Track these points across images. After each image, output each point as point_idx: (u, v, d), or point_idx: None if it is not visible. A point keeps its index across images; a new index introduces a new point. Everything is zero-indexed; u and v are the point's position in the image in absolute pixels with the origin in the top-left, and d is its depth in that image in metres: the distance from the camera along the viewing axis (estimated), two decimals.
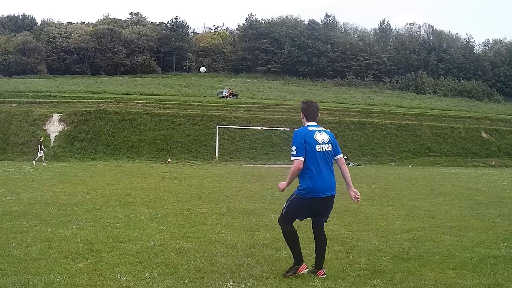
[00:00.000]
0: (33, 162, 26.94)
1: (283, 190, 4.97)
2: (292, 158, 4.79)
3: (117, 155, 32.30)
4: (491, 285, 4.57)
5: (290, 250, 4.90)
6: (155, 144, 33.80)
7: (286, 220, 4.87)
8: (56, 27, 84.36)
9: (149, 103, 40.57)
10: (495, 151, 41.00)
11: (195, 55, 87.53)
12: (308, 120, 5.01)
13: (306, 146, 4.74)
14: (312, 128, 4.89)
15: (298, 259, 4.77)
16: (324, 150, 4.81)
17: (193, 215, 8.58)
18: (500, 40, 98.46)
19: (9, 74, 69.76)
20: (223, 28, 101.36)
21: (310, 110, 5.05)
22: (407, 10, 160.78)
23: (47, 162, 27.58)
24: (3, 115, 34.55)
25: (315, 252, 4.94)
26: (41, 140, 28.71)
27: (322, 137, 4.86)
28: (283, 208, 4.90)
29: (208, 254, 5.60)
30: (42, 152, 27.67)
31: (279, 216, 5.01)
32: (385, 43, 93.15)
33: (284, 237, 4.90)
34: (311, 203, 4.74)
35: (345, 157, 36.10)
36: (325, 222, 4.98)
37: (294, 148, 4.78)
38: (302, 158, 4.72)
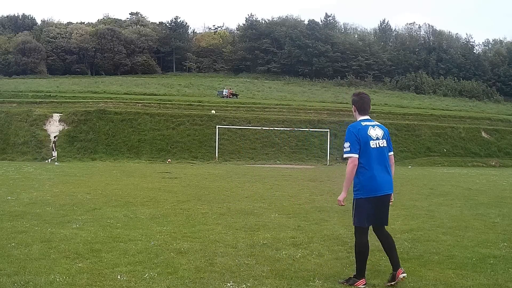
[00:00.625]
0: (56, 162, 27.66)
1: (343, 201, 4.63)
2: (345, 156, 4.46)
3: (117, 155, 32.29)
4: (491, 285, 4.57)
5: (356, 263, 4.61)
6: (155, 144, 33.79)
7: (360, 231, 4.58)
8: (56, 27, 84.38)
9: (149, 103, 40.58)
10: (495, 151, 40.99)
11: (195, 55, 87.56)
12: (360, 114, 4.65)
13: (360, 142, 4.42)
14: (365, 123, 4.57)
15: (360, 273, 4.53)
16: (378, 146, 4.50)
17: (193, 215, 8.58)
18: (500, 40, 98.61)
19: (9, 74, 69.76)
20: (223, 28, 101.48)
21: (362, 102, 4.67)
22: (407, 10, 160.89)
23: (50, 161, 27.79)
24: (3, 115, 34.55)
25: (387, 256, 4.71)
26: (55, 140, 29.19)
27: (376, 132, 4.54)
28: (353, 221, 4.63)
29: (208, 254, 5.59)
30: (55, 152, 28.29)
31: (355, 231, 4.68)
32: (385, 43, 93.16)
33: (355, 249, 4.62)
34: (372, 203, 4.47)
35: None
36: (386, 225, 4.72)
37: (347, 144, 4.46)
38: (357, 155, 4.41)
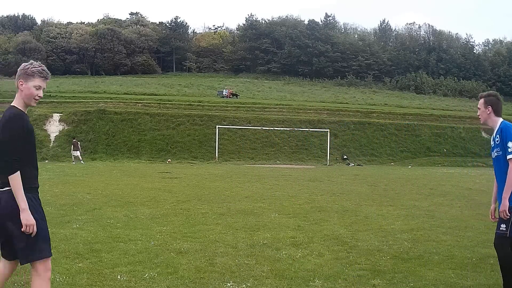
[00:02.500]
0: (82, 161, 28.24)
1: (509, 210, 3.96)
2: (510, 157, 3.96)
3: (117, 155, 32.30)
4: (491, 285, 4.57)
5: (503, 278, 4.15)
6: (155, 144, 33.80)
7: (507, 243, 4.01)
8: (56, 27, 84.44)
9: (149, 103, 40.59)
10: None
11: (195, 55, 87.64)
12: (496, 116, 4.19)
13: None
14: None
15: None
16: None
17: (193, 215, 8.58)
18: (500, 40, 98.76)
19: (9, 74, 69.69)
20: (223, 28, 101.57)
21: (499, 104, 4.24)
22: (407, 10, 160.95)
23: (82, 161, 28.25)
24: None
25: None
26: (74, 141, 29.42)
27: None
28: (506, 230, 3.97)
29: (208, 254, 5.59)
30: (78, 152, 28.56)
31: (498, 243, 4.07)
32: (385, 43, 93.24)
33: (506, 265, 4.07)
34: None
35: (345, 157, 36.11)
36: None
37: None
38: None
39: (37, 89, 3.18)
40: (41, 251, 3.09)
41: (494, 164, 4.21)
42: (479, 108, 4.26)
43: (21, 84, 3.15)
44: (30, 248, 3.04)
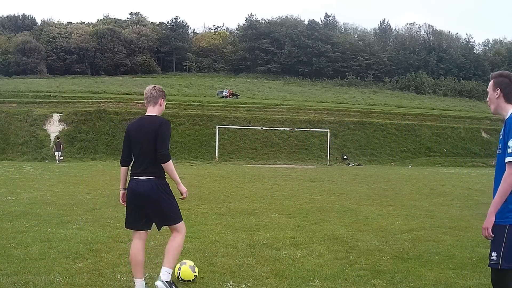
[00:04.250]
0: (57, 162, 28.63)
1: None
2: (509, 160, 2.95)
3: (117, 155, 32.24)
4: (491, 285, 4.56)
5: None
6: None
7: (510, 276, 3.02)
8: (56, 27, 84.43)
9: None
10: (495, 151, 40.82)
11: (195, 55, 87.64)
12: (507, 102, 3.15)
13: None
14: None
15: None
16: None
17: (193, 215, 8.58)
18: (500, 40, 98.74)
19: (9, 74, 69.75)
20: (223, 28, 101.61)
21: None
22: (407, 10, 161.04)
23: (59, 163, 28.38)
24: (3, 115, 34.55)
25: None
26: (58, 141, 29.71)
27: None
28: (496, 260, 2.97)
29: (208, 254, 5.59)
30: (59, 152, 28.81)
31: (493, 276, 3.11)
32: (385, 43, 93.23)
33: None
34: None
35: (345, 157, 36.11)
36: None
37: None
38: None
39: None
40: (181, 215, 4.24)
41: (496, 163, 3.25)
42: (487, 92, 3.28)
43: (162, 102, 4.63)
44: (175, 215, 4.18)
